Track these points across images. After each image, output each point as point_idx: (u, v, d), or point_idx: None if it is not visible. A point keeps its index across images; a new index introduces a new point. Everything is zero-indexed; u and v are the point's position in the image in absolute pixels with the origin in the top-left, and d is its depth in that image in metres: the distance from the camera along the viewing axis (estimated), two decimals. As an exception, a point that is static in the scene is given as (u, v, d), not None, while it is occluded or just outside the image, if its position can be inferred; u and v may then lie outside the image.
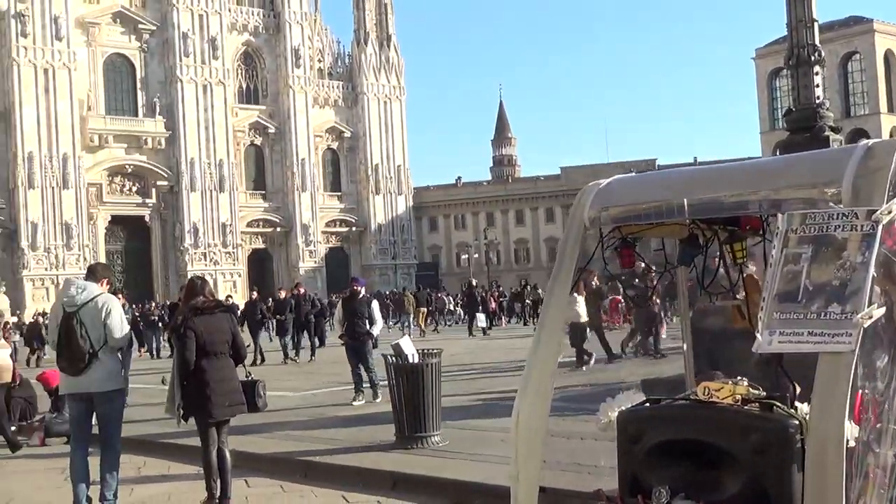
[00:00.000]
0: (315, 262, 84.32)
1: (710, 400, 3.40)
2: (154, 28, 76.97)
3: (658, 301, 18.24)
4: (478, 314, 39.22)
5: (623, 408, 3.70)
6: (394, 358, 11.11)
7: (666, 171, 4.10)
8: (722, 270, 4.31)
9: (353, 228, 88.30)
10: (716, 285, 4.39)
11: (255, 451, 11.24)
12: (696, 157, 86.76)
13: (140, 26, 76.63)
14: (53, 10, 71.01)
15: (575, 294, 22.17)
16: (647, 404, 3.66)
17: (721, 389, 3.40)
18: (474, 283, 46.08)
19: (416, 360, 10.99)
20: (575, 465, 6.99)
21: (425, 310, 44.56)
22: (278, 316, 27.85)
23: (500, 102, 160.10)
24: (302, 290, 29.76)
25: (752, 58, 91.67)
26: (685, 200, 3.46)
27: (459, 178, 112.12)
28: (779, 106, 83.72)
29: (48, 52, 71.09)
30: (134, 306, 40.41)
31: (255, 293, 31.48)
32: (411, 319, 39.51)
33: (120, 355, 8.87)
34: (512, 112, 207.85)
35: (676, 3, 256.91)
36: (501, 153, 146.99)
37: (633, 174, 4.23)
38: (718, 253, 4.21)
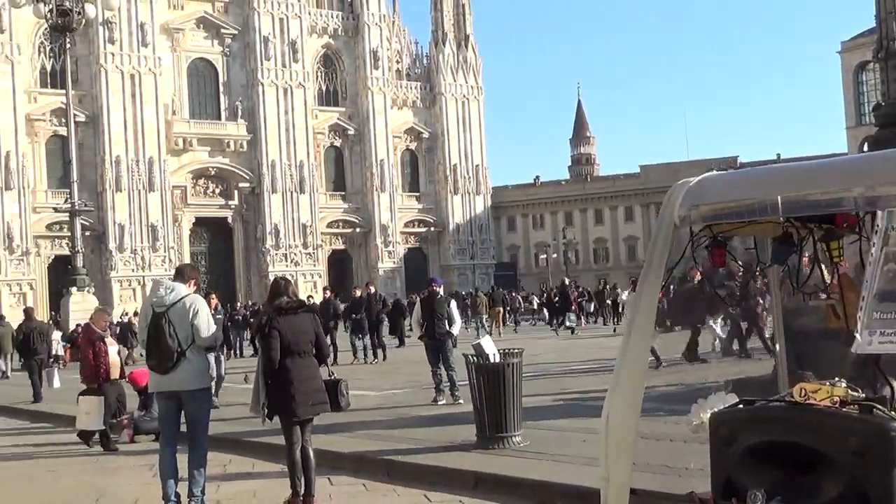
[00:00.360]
0: (394, 262, 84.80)
1: (807, 402, 3.31)
2: (236, 32, 78.19)
3: (760, 300, 17.82)
4: (568, 313, 39.23)
5: (716, 409, 3.63)
6: (475, 358, 11.10)
7: (757, 168, 3.98)
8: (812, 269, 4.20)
9: (432, 228, 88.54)
10: (808, 284, 4.28)
11: (337, 449, 11.32)
12: (778, 154, 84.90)
13: (223, 31, 77.91)
14: (140, 16, 72.62)
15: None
16: (741, 406, 3.58)
17: (818, 391, 3.31)
18: (567, 282, 45.83)
19: (498, 360, 10.96)
20: (664, 467, 6.89)
21: (501, 309, 44.48)
22: (354, 315, 27.85)
23: (579, 101, 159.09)
24: (373, 290, 29.67)
25: (838, 51, 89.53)
26: (779, 198, 3.38)
27: (538, 177, 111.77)
28: (866, 100, 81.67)
29: (134, 58, 72.71)
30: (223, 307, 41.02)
31: (328, 292, 31.46)
32: (484, 320, 39.35)
33: (214, 360, 9.04)
34: (590, 110, 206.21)
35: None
36: (580, 152, 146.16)
37: (724, 171, 4.14)
38: (812, 251, 4.10)
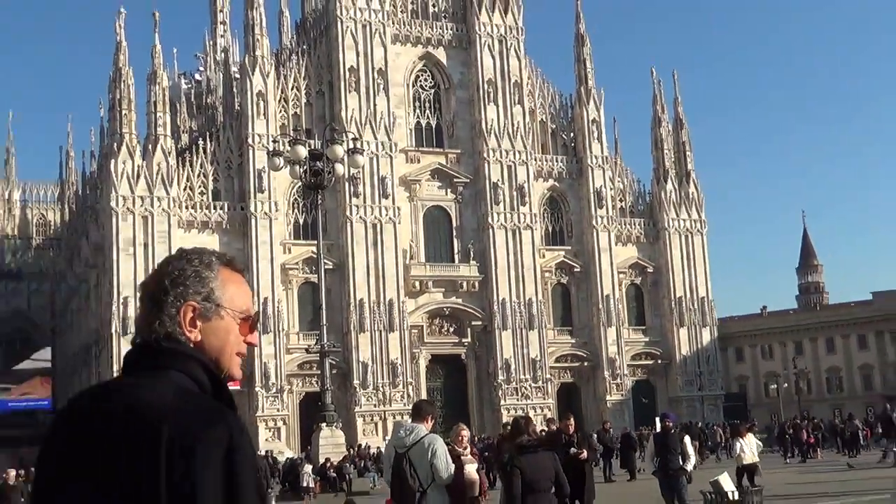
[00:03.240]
0: (622, 394, 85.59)
1: None
2: (468, 181, 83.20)
3: None
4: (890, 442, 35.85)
5: None
6: (712, 495, 11.44)
7: None
8: None
9: (659, 361, 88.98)
10: None
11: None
12: None
13: (455, 180, 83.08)
14: (381, 171, 79.02)
15: (739, 438, 21.28)
16: None
17: None
18: (888, 406, 42.68)
19: (736, 497, 11.25)
20: None
21: (697, 444, 44.14)
22: None
23: (804, 229, 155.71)
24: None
25: None
26: None
27: (764, 307, 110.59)
28: None
29: (376, 209, 78.67)
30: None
31: (571, 421, 30.45)
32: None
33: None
34: (817, 237, 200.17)
35: None
36: (807, 280, 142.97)
37: None
38: None
